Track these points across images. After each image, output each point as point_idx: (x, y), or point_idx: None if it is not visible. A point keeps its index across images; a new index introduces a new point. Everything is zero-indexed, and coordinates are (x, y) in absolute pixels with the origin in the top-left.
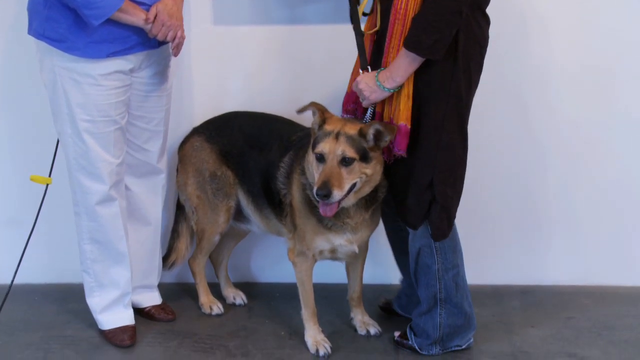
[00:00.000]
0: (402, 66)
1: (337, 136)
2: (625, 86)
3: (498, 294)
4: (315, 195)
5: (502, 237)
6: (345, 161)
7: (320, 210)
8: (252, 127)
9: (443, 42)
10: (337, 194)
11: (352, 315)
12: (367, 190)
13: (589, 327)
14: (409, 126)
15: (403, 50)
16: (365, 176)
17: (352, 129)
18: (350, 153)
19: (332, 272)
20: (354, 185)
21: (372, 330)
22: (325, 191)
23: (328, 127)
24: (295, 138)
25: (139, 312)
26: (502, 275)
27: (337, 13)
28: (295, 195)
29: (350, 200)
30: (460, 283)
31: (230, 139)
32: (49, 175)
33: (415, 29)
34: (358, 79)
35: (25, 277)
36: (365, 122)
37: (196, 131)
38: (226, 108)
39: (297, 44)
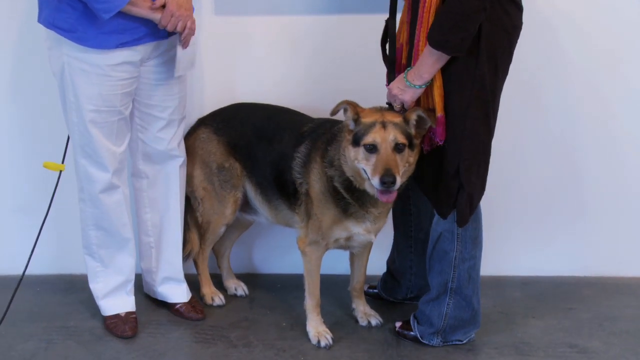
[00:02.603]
0: (428, 63)
1: (384, 125)
2: (624, 79)
3: (499, 285)
4: (381, 184)
5: (503, 227)
6: (398, 147)
7: (381, 198)
8: (259, 119)
9: (469, 38)
10: (399, 180)
11: (353, 305)
12: (404, 179)
13: (590, 318)
14: (443, 115)
15: (429, 48)
16: (408, 165)
17: (395, 117)
18: (402, 139)
19: (333, 263)
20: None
21: (374, 321)
22: (391, 177)
23: (368, 119)
24: (307, 129)
25: (167, 307)
26: (504, 266)
27: (346, 3)
28: (315, 186)
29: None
30: (474, 276)
31: (237, 131)
32: (62, 162)
33: (440, 27)
34: (390, 86)
35: (28, 268)
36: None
37: (202, 123)
38: (235, 99)
39: (307, 35)
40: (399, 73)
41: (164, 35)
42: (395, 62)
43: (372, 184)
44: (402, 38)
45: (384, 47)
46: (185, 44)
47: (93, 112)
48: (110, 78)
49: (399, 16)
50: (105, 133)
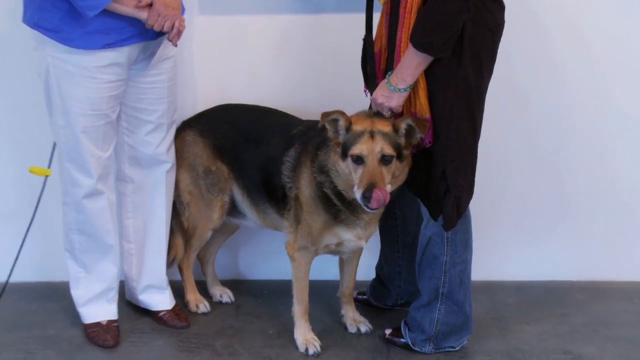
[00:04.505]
0: (411, 65)
1: (372, 135)
2: (622, 83)
3: (491, 290)
4: (362, 199)
5: (496, 231)
6: (384, 159)
7: (369, 206)
8: (247, 121)
9: (453, 39)
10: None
11: (342, 312)
12: (393, 189)
13: (584, 323)
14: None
15: (412, 50)
16: (397, 174)
17: (385, 126)
18: (389, 150)
19: (322, 269)
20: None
21: (363, 328)
22: (372, 193)
23: (358, 128)
24: (296, 132)
25: (150, 314)
26: (495, 271)
27: (340, 1)
28: (305, 191)
29: None
30: (466, 280)
31: (224, 133)
32: (49, 167)
33: (423, 28)
34: (373, 96)
35: (5, 275)
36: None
37: (187, 125)
38: (228, 101)
39: (297, 34)
40: (379, 80)
41: (152, 36)
42: (376, 79)
43: (356, 197)
44: (381, 42)
45: (365, 68)
46: (175, 43)
47: (79, 115)
48: (96, 80)
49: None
50: (91, 137)
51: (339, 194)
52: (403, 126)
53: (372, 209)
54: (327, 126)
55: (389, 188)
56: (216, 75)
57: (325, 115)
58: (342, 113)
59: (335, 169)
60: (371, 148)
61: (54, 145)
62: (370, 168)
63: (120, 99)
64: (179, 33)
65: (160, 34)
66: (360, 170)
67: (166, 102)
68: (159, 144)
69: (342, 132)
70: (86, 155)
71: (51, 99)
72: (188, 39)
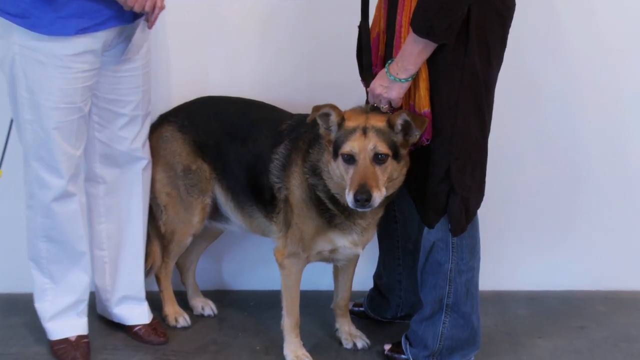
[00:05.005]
0: (413, 53)
1: (364, 131)
2: (635, 72)
3: (501, 301)
4: (354, 202)
5: (506, 236)
6: (378, 158)
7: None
8: (231, 114)
9: (457, 23)
10: (377, 197)
11: (337, 325)
12: (391, 192)
13: (604, 337)
14: (430, 111)
15: (413, 37)
16: (394, 176)
17: (379, 121)
18: (383, 148)
19: (314, 278)
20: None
21: (360, 343)
22: (365, 195)
23: (351, 124)
24: (286, 127)
25: (124, 329)
26: (506, 280)
27: None
28: (295, 192)
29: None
30: (473, 290)
31: (205, 128)
32: None
33: (424, 12)
34: (371, 87)
35: None
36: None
37: (165, 119)
38: (206, 92)
39: (285, 18)
40: (375, 66)
41: (130, 18)
42: (372, 69)
43: (347, 200)
44: (379, 26)
45: (360, 58)
46: (150, 25)
47: (50, 109)
48: (69, 70)
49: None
50: (64, 134)
51: (333, 198)
52: (399, 122)
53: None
54: (319, 121)
55: (384, 192)
56: (194, 63)
57: (316, 109)
58: (335, 107)
59: (327, 170)
60: (363, 145)
61: (6, 142)
62: (361, 168)
63: (92, 90)
64: (158, 14)
65: (137, 16)
66: (351, 170)
67: (141, 92)
68: (134, 138)
69: (334, 128)
70: (57, 153)
71: (16, 92)
72: (161, 21)
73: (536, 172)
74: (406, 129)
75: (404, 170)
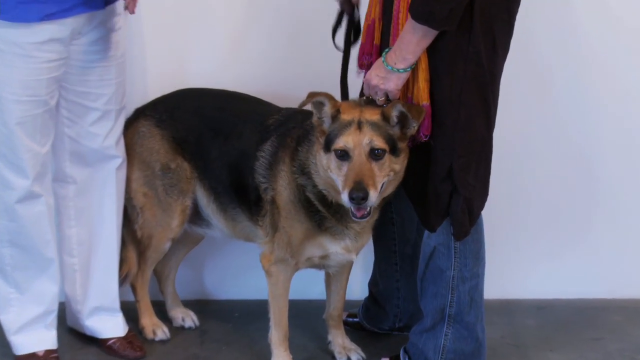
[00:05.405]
0: (412, 41)
1: (359, 125)
2: None
3: (508, 310)
4: (349, 201)
5: (512, 240)
6: (374, 154)
7: (357, 214)
8: (213, 108)
9: (459, 8)
10: (373, 195)
11: (329, 338)
12: (390, 190)
13: (620, 350)
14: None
15: (411, 23)
16: (393, 174)
17: (374, 114)
18: (380, 143)
19: (304, 286)
20: (382, 185)
21: (354, 357)
22: (362, 193)
23: (346, 117)
24: (273, 122)
25: (97, 343)
26: (513, 288)
27: None
28: (283, 193)
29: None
30: (477, 299)
31: (185, 123)
32: None
33: None
34: (367, 77)
35: None
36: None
37: (142, 114)
38: (185, 84)
39: (278, 1)
40: (368, 57)
41: (100, 4)
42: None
43: (342, 201)
44: (374, 12)
45: (348, 41)
46: (132, 9)
47: (12, 102)
48: (33, 60)
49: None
50: (27, 129)
51: (324, 199)
52: (394, 114)
53: (360, 218)
54: (313, 109)
55: (373, 195)
56: (173, 52)
57: (311, 95)
58: (330, 98)
59: (315, 164)
60: (358, 140)
61: None
62: (357, 164)
63: (59, 82)
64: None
65: (109, 1)
66: (345, 167)
67: (114, 84)
68: (107, 135)
69: (326, 119)
70: (21, 150)
71: None
72: (137, 6)
73: (546, 169)
74: (402, 121)
75: (403, 165)
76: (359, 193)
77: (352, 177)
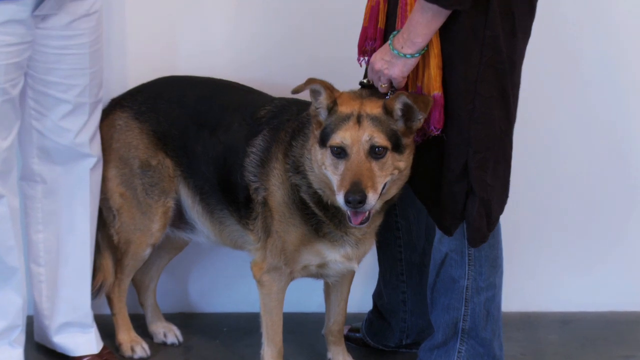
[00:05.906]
0: (421, 22)
1: (358, 119)
2: None
3: (529, 324)
4: (345, 203)
5: (536, 247)
6: (375, 152)
7: (353, 221)
8: (198, 98)
9: None
10: (372, 198)
11: (329, 355)
12: (394, 192)
13: None
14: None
15: (420, 2)
16: (397, 172)
17: (375, 107)
18: (380, 139)
19: (301, 298)
20: (384, 185)
21: None
22: (359, 195)
23: (344, 110)
24: (265, 114)
25: None
26: (535, 299)
27: None
28: (276, 193)
29: (376, 207)
30: (494, 312)
31: (167, 115)
32: None
33: None
34: (371, 60)
35: None
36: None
37: (118, 104)
38: (169, 72)
39: None
40: (372, 42)
41: None
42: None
43: (337, 203)
44: None
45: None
46: None
47: None
48: None
49: None
50: None
51: (320, 201)
52: (397, 106)
53: (357, 225)
54: (311, 98)
55: (372, 197)
56: (155, 36)
57: (309, 81)
58: (328, 87)
59: (309, 159)
60: (356, 136)
61: None
62: (354, 163)
63: (23, 69)
64: None
65: None
66: (342, 166)
67: (88, 75)
68: (79, 131)
69: (322, 111)
70: None
71: None
72: None
73: (575, 168)
74: (407, 113)
75: (409, 163)
76: (355, 195)
77: (349, 177)
